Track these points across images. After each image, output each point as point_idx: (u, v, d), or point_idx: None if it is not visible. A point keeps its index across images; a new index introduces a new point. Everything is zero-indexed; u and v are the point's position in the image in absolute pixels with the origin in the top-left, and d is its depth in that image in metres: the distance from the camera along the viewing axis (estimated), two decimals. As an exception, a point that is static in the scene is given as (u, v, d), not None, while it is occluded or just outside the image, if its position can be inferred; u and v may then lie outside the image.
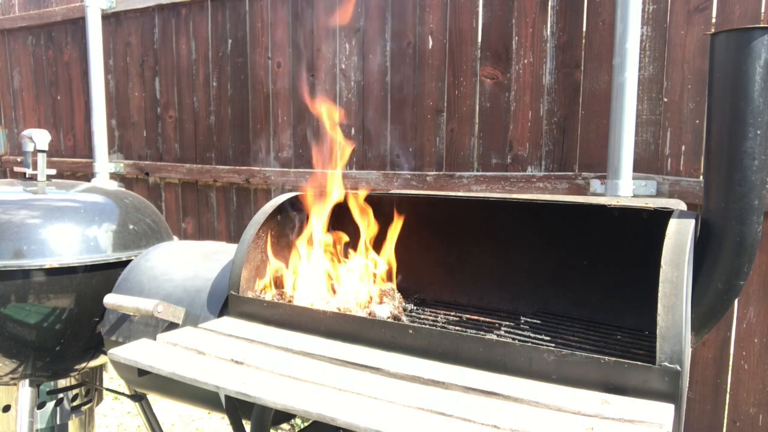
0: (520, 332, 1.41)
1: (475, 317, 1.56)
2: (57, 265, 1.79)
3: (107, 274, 1.89)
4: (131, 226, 2.03)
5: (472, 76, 2.80)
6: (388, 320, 1.48)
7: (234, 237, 3.68)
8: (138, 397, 2.17)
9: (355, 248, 1.70)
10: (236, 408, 1.50)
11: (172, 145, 3.95)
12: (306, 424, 3.07)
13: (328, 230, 1.72)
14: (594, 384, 1.04)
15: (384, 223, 1.70)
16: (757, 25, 1.46)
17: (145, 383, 1.68)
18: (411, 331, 1.23)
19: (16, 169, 2.29)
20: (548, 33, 2.60)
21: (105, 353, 1.91)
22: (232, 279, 1.53)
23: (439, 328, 1.31)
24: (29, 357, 1.88)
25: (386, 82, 3.04)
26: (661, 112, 2.38)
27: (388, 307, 1.56)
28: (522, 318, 1.54)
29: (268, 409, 1.37)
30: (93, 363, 2.06)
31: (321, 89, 3.26)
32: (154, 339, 1.36)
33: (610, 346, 1.33)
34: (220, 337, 1.36)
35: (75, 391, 2.13)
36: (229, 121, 3.66)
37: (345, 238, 1.73)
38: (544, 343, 1.32)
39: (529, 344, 1.12)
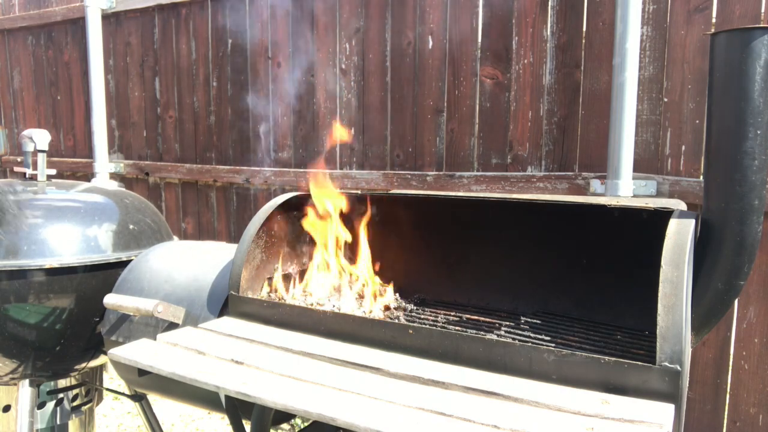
0: (520, 332, 1.41)
1: (475, 317, 1.56)
2: (57, 265, 1.79)
3: (107, 274, 1.89)
4: (131, 226, 2.03)
5: (472, 76, 2.80)
6: (388, 320, 1.48)
7: (234, 237, 3.68)
8: (138, 397, 2.17)
9: (354, 248, 1.70)
10: (236, 408, 1.50)
11: (172, 145, 3.95)
12: (306, 424, 3.07)
13: (328, 230, 1.72)
14: (594, 384, 1.04)
15: (384, 223, 1.70)
16: (757, 25, 1.46)
17: (145, 383, 1.68)
18: (411, 331, 1.23)
19: (16, 169, 2.29)
20: (548, 33, 2.60)
21: (105, 353, 1.91)
22: (232, 279, 1.53)
23: (439, 328, 1.31)
24: (29, 357, 1.88)
25: (386, 82, 3.04)
26: (661, 112, 2.38)
27: (389, 305, 1.56)
28: (522, 318, 1.54)
29: (268, 409, 1.37)
30: (93, 363, 2.06)
31: (321, 89, 3.26)
32: (154, 339, 1.36)
33: (610, 346, 1.33)
34: (220, 337, 1.36)
35: (75, 391, 2.13)
36: (229, 121, 3.66)
37: (345, 238, 1.73)
38: (544, 343, 1.32)
39: (529, 344, 1.12)
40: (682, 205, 1.30)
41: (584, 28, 2.52)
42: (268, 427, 1.41)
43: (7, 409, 2.09)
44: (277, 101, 3.44)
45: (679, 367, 0.97)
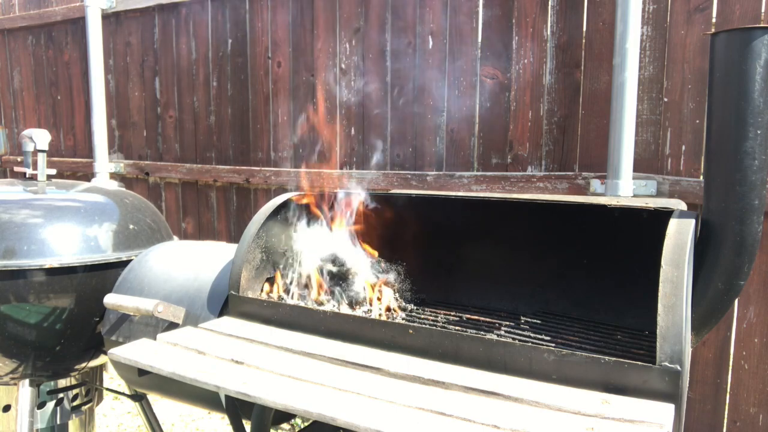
0: (520, 332, 1.41)
1: (476, 317, 1.56)
2: (57, 265, 1.79)
3: (107, 274, 1.89)
4: (131, 226, 2.03)
5: (472, 76, 2.80)
6: (388, 320, 1.48)
7: (234, 237, 3.68)
8: (138, 397, 2.17)
9: (354, 248, 1.70)
10: (236, 408, 1.50)
11: (172, 144, 3.95)
12: (306, 424, 3.07)
13: (328, 230, 1.72)
14: (594, 384, 1.04)
15: (384, 223, 1.70)
16: (757, 25, 1.46)
17: (145, 383, 1.68)
18: (411, 331, 1.23)
19: (16, 169, 2.29)
20: (548, 33, 2.60)
21: (105, 353, 1.91)
22: (232, 279, 1.53)
23: (439, 328, 1.31)
24: (29, 357, 1.88)
25: (386, 81, 3.04)
26: (661, 112, 2.38)
27: (388, 305, 1.56)
28: (522, 318, 1.54)
29: (268, 409, 1.37)
30: (93, 363, 2.06)
31: (321, 89, 3.26)
32: (154, 339, 1.36)
33: (611, 346, 1.33)
34: (220, 337, 1.36)
35: (75, 391, 2.13)
36: (229, 121, 3.65)
37: (345, 237, 1.73)
38: (544, 343, 1.32)
39: (530, 344, 1.12)
40: (682, 205, 1.30)
41: (584, 28, 2.52)
42: (268, 427, 1.41)
43: (7, 409, 2.09)
44: (277, 101, 3.44)
45: (679, 367, 0.97)
